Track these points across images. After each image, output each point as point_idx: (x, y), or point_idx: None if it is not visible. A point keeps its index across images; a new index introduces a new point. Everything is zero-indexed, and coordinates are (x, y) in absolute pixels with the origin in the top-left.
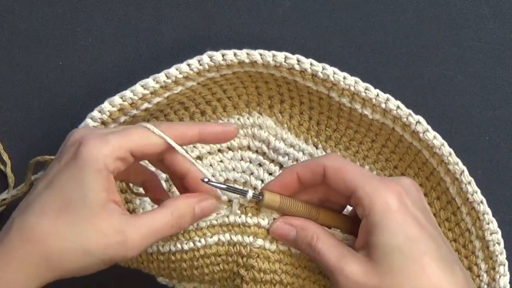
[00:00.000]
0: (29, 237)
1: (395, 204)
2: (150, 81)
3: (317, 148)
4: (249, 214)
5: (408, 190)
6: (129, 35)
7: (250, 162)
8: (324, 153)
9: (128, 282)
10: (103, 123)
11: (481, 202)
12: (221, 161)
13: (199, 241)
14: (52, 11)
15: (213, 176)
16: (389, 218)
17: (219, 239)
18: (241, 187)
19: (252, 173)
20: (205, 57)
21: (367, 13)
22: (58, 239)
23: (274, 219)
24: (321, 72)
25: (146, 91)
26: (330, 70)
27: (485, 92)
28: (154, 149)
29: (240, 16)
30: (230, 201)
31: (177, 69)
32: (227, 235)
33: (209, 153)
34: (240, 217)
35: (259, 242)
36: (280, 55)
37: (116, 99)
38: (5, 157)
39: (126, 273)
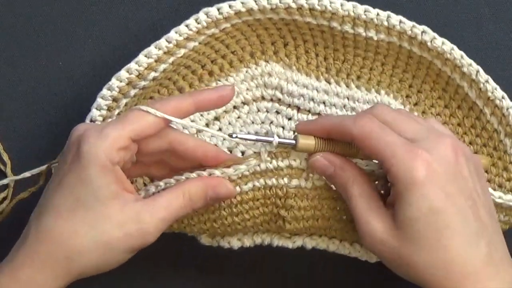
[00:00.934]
0: (48, 239)
1: (420, 176)
2: (152, 49)
3: (329, 83)
4: (280, 158)
5: (443, 156)
6: (129, 35)
7: (267, 112)
8: (338, 87)
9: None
10: (114, 100)
11: (503, 97)
12: (238, 117)
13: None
14: (52, 11)
15: (230, 135)
16: (413, 190)
17: (254, 185)
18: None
19: (271, 122)
20: (201, 15)
21: None
22: (76, 237)
23: (306, 159)
24: (318, 4)
25: (151, 60)
26: (326, 0)
27: None
28: (153, 129)
29: None
30: (256, 152)
31: (176, 32)
32: (262, 180)
33: (225, 111)
34: (271, 163)
35: (295, 182)
36: None
37: (123, 73)
38: (5, 157)
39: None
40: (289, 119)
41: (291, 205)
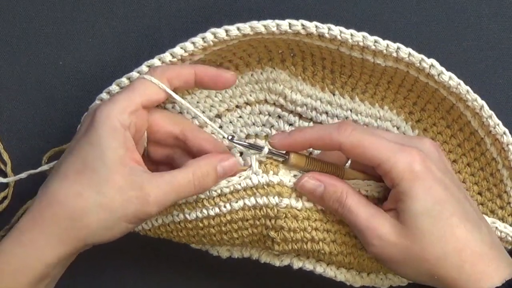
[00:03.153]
0: (52, 200)
1: (420, 170)
2: (155, 61)
3: (334, 94)
4: (271, 172)
5: (429, 153)
6: (129, 35)
7: (269, 115)
8: (342, 99)
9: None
10: None
11: (504, 133)
12: (240, 117)
13: (224, 207)
14: (52, 11)
15: (234, 133)
16: (417, 185)
17: (244, 204)
18: (263, 142)
19: (272, 126)
20: (208, 35)
21: (368, 13)
22: (79, 199)
23: (294, 176)
24: (328, 33)
25: None
26: (336, 30)
27: (485, 92)
28: (160, 94)
29: None
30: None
31: (181, 48)
32: (252, 199)
33: (228, 110)
34: (262, 176)
35: (285, 201)
36: (284, 24)
37: (123, 80)
38: (5, 157)
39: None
40: (290, 124)
41: (281, 226)
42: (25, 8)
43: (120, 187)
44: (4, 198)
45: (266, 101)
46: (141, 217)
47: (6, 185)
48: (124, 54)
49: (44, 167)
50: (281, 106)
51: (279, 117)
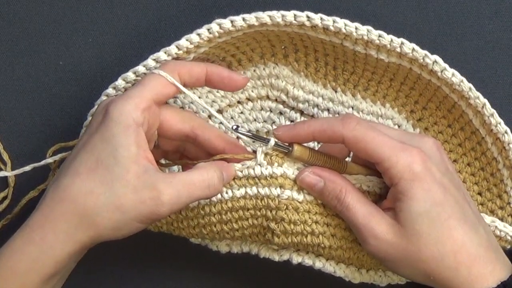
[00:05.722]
0: (63, 197)
1: (420, 171)
2: (161, 55)
3: (336, 91)
4: (275, 164)
5: (430, 153)
6: (129, 35)
7: (271, 111)
8: (343, 96)
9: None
10: None
11: (506, 132)
12: (241, 113)
13: (226, 192)
14: (52, 11)
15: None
16: (416, 186)
17: (246, 192)
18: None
19: (273, 122)
20: (214, 25)
21: (367, 12)
22: (91, 196)
23: (298, 168)
24: (332, 26)
25: (158, 65)
26: (341, 22)
27: (485, 92)
28: (171, 89)
29: None
30: (255, 152)
31: (187, 40)
32: (254, 189)
33: (229, 105)
34: (266, 168)
35: (287, 193)
36: (290, 15)
37: (130, 75)
38: (5, 157)
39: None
40: (292, 121)
41: (282, 218)
42: (25, 8)
43: (133, 186)
44: (4, 198)
45: (268, 97)
46: (153, 217)
47: (6, 185)
48: (124, 54)
49: (48, 160)
50: (283, 102)
51: (281, 113)
